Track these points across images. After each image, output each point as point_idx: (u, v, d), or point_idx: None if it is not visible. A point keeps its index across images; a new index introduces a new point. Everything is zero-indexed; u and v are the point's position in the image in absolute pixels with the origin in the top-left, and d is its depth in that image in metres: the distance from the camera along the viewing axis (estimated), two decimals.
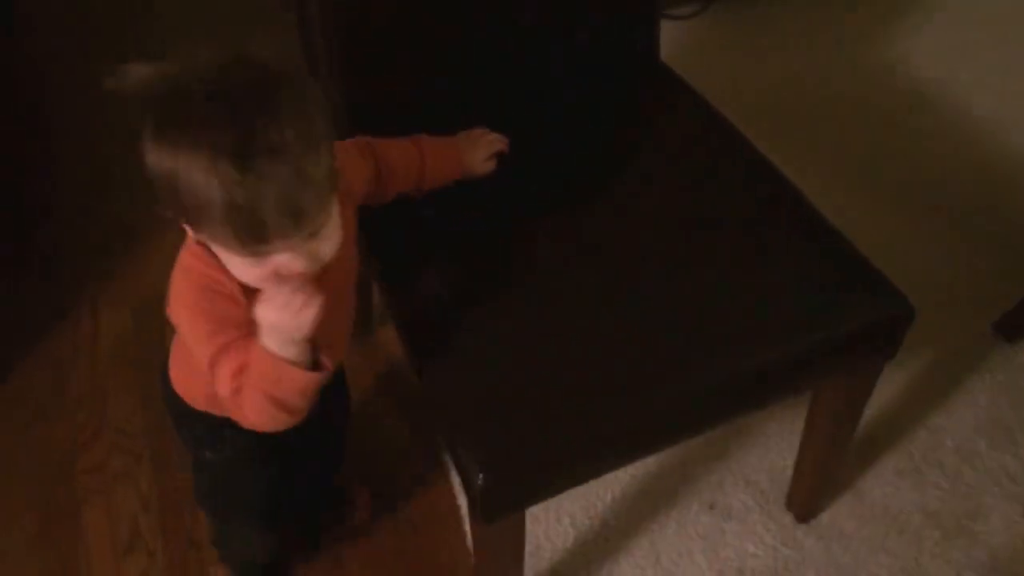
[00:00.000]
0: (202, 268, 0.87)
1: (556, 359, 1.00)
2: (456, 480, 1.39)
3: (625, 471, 1.36)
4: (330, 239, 0.83)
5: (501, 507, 1.00)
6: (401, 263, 1.14)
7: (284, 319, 0.80)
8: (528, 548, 1.18)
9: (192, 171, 0.73)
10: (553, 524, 1.33)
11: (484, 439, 0.96)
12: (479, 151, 1.13)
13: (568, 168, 1.19)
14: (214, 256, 0.85)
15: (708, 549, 1.31)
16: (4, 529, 1.38)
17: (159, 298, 0.91)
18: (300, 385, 0.86)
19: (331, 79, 1.18)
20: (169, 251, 0.90)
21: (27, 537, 1.36)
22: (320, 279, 0.88)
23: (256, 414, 0.89)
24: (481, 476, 0.94)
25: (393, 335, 1.54)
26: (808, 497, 1.34)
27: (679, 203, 1.15)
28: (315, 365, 0.87)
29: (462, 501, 1.37)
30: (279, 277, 0.81)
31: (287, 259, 0.80)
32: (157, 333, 1.54)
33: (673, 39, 1.36)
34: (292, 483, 1.17)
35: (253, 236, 0.77)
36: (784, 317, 1.03)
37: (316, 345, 0.87)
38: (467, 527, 1.34)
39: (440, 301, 1.08)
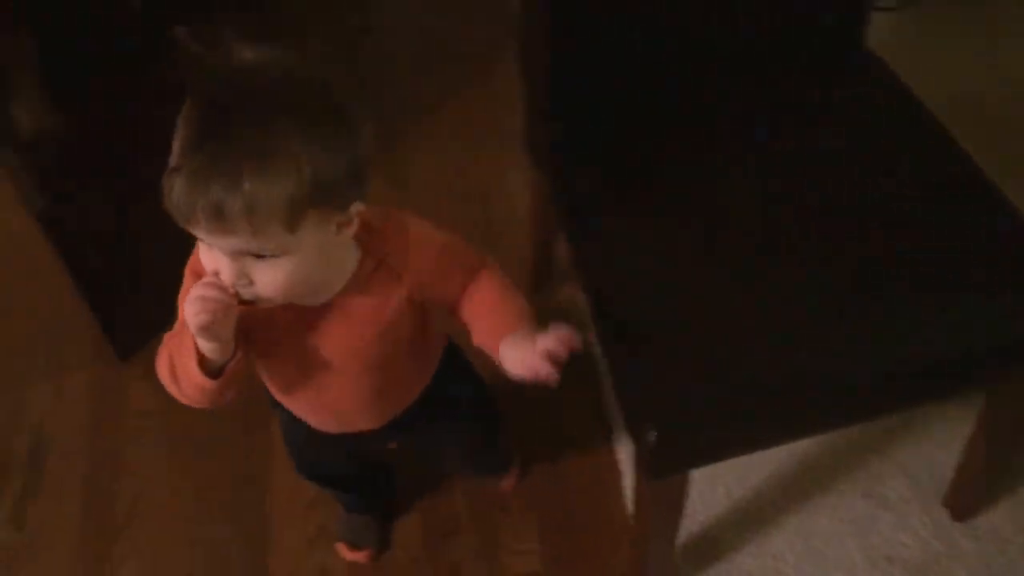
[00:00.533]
0: None
1: (737, 328, 1.03)
2: (618, 438, 1.46)
3: (784, 449, 1.38)
4: (270, 272, 0.82)
5: (668, 466, 1.05)
6: (589, 220, 1.20)
7: (185, 309, 0.83)
8: None
9: (179, 126, 0.78)
10: (709, 489, 1.37)
11: (659, 397, 1.01)
12: (517, 354, 0.93)
13: (764, 144, 1.22)
14: None
15: (859, 535, 1.33)
16: (200, 491, 1.49)
17: None
18: (191, 374, 0.88)
19: (542, 49, 1.25)
20: None
21: (220, 500, 1.48)
22: (318, 332, 0.93)
23: (161, 368, 0.92)
24: (653, 433, 0.99)
25: (563, 293, 1.62)
26: (967, 497, 1.34)
27: (874, 189, 1.15)
28: (219, 372, 0.89)
29: (622, 456, 1.44)
30: (214, 276, 0.83)
31: (222, 262, 0.82)
32: None
33: (879, 29, 1.35)
34: (321, 457, 1.22)
35: (177, 212, 0.77)
36: (969, 314, 1.03)
37: (229, 357, 0.88)
38: (625, 483, 1.41)
39: (628, 261, 1.12)
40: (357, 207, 0.84)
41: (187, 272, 0.92)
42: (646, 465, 1.05)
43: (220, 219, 0.76)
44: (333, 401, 1.04)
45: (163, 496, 1.48)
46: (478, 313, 0.99)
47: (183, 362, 0.89)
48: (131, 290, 1.68)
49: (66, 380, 1.63)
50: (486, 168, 1.86)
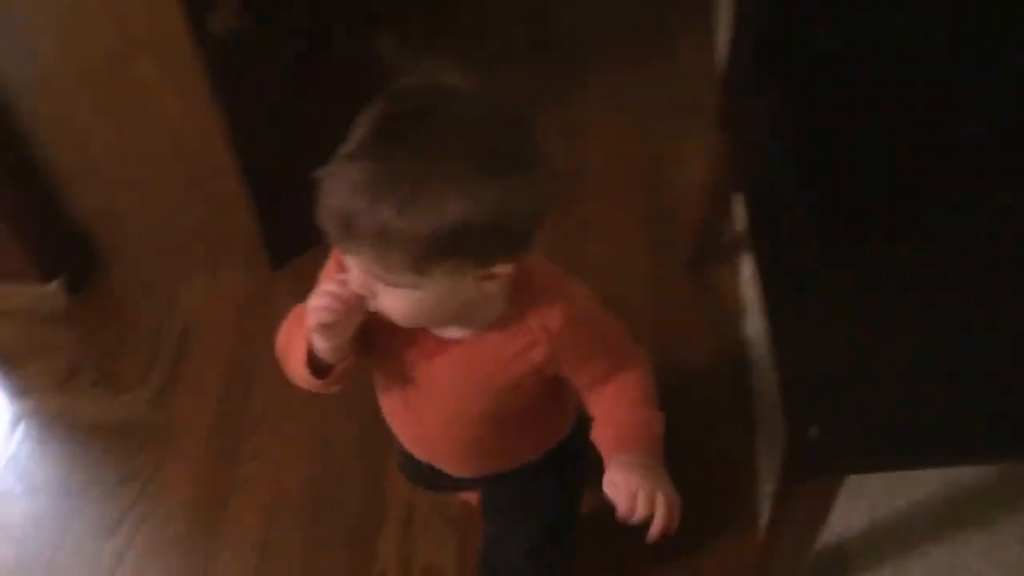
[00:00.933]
0: None
1: (919, 336, 0.96)
2: (760, 431, 1.39)
3: (940, 474, 1.30)
4: (394, 298, 0.78)
5: (823, 466, 0.99)
6: (773, 204, 1.14)
7: (311, 301, 0.80)
8: None
9: (355, 126, 0.74)
10: (852, 501, 1.28)
11: (827, 392, 0.96)
12: (618, 477, 0.84)
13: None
14: None
15: None
16: (329, 411, 1.48)
17: None
18: (297, 366, 0.86)
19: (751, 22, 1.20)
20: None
21: (347, 421, 1.48)
22: (433, 364, 0.87)
23: (279, 339, 0.90)
24: (815, 428, 0.94)
25: (723, 273, 1.57)
26: None
27: None
28: (322, 372, 0.86)
29: (761, 449, 1.37)
30: (346, 276, 0.80)
31: (353, 269, 0.78)
32: None
33: None
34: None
35: (319, 210, 0.74)
36: None
37: (341, 360, 0.85)
38: (760, 479, 1.35)
39: (811, 249, 1.06)
40: (504, 268, 0.78)
41: (333, 252, 0.88)
42: (800, 462, 1.00)
43: (349, 236, 0.73)
44: (429, 436, 1.00)
45: (294, 407, 1.50)
46: (604, 413, 0.92)
47: (294, 350, 0.86)
48: (293, 203, 1.70)
49: (219, 279, 1.67)
50: (662, 137, 1.81)
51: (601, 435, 0.91)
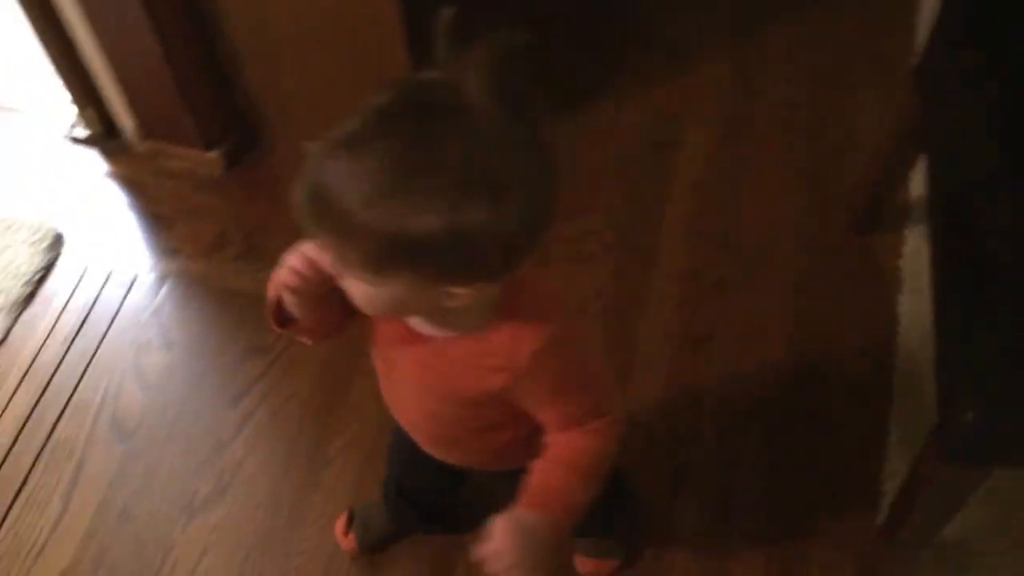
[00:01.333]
0: None
1: None
2: (895, 416, 1.34)
3: None
4: (355, 287, 0.75)
5: (973, 454, 0.94)
6: (966, 167, 1.07)
7: (286, 259, 0.80)
8: None
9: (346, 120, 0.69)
10: (984, 497, 1.19)
11: (990, 379, 0.90)
12: (504, 526, 0.81)
13: None
14: None
15: None
16: None
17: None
18: (266, 309, 0.87)
19: None
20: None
21: None
22: (401, 352, 0.86)
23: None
24: (971, 413, 0.89)
25: (888, 244, 1.50)
26: None
27: None
28: (284, 323, 0.87)
29: (893, 426, 1.32)
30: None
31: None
32: None
33: None
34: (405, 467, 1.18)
35: (293, 189, 0.70)
36: None
37: (303, 317, 0.85)
38: (889, 454, 1.30)
39: (1001, 220, 0.99)
40: (463, 291, 0.73)
41: None
42: (950, 446, 0.94)
43: (313, 220, 0.70)
44: (405, 416, 0.98)
45: None
46: (543, 457, 0.87)
47: (271, 288, 0.86)
48: None
49: None
50: (841, 90, 1.73)
51: (529, 475, 0.86)
